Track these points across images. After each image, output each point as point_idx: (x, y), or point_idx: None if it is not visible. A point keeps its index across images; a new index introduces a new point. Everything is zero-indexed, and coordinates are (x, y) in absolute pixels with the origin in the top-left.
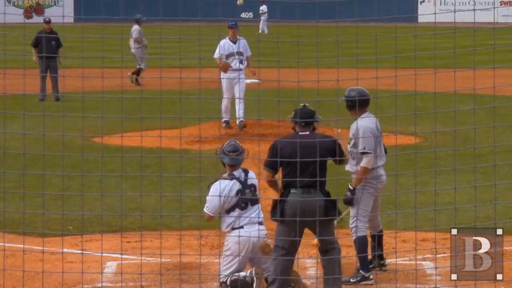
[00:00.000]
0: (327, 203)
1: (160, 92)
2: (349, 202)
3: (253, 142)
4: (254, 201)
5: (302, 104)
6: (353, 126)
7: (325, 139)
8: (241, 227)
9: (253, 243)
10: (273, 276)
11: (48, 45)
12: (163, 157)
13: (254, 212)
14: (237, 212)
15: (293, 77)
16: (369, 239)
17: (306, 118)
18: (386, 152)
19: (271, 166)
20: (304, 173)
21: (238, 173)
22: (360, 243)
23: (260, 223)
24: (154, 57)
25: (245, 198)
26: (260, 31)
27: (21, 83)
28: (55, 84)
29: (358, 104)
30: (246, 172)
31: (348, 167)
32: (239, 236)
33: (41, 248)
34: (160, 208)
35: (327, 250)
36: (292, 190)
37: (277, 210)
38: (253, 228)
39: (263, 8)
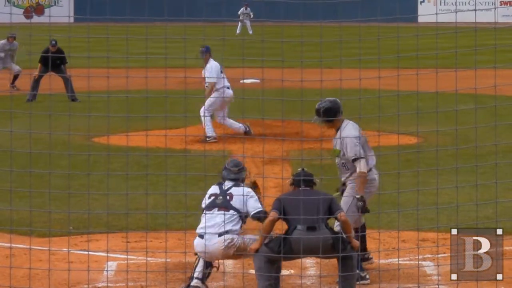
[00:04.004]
0: (334, 240)
1: (165, 91)
2: (366, 210)
3: (255, 141)
4: (223, 207)
5: (301, 168)
6: (337, 139)
7: (325, 194)
8: (201, 236)
9: (210, 252)
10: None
11: (54, 64)
12: (149, 156)
13: (221, 218)
14: (204, 217)
15: (295, 77)
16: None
17: (304, 180)
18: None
19: (277, 208)
20: (306, 215)
21: (228, 183)
22: None
23: (225, 232)
24: (159, 57)
25: (213, 203)
26: (250, 31)
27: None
28: (69, 86)
29: (332, 114)
30: (237, 185)
31: (343, 177)
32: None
33: (40, 248)
34: (146, 206)
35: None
36: (298, 227)
37: (280, 243)
38: (213, 239)
39: (248, 10)
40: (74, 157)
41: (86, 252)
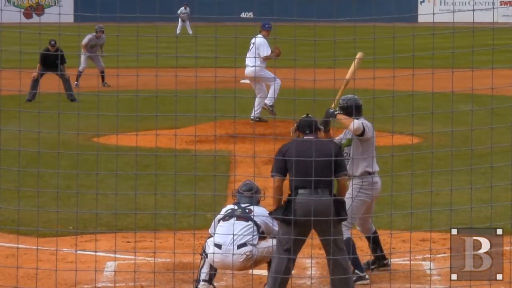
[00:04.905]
0: (337, 203)
1: (176, 91)
2: (331, 115)
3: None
4: (242, 218)
5: (305, 114)
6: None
7: (328, 147)
8: (218, 245)
9: (227, 264)
10: (274, 275)
11: (53, 64)
12: (158, 156)
13: (240, 228)
14: (220, 228)
15: (293, 76)
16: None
17: (309, 125)
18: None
19: (279, 170)
20: (311, 174)
21: (244, 204)
22: (347, 246)
23: (244, 244)
24: (170, 56)
25: (231, 213)
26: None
27: (20, 84)
28: (68, 86)
29: (354, 111)
30: (254, 203)
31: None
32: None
33: (41, 248)
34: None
35: (334, 252)
36: (300, 191)
37: (285, 210)
38: (231, 251)
39: (188, 10)
40: (73, 157)
41: (86, 252)
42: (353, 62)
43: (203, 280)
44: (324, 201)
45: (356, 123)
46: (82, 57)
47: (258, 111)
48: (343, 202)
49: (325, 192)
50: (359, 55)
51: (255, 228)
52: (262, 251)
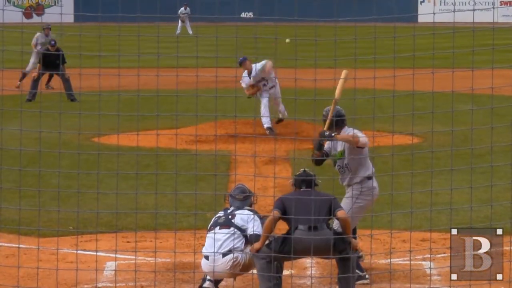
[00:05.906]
0: (335, 240)
1: (177, 91)
2: (319, 146)
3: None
4: (225, 225)
5: (302, 169)
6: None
7: (326, 195)
8: (206, 257)
9: (216, 273)
10: (261, 274)
11: (53, 64)
12: (160, 156)
13: (223, 237)
14: (207, 239)
15: (293, 76)
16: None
17: (306, 182)
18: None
19: (280, 208)
20: (309, 215)
21: (233, 208)
22: None
23: (229, 252)
24: (171, 55)
25: (215, 222)
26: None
27: (22, 84)
28: (68, 86)
29: (339, 123)
30: (241, 208)
31: (344, 181)
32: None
33: (42, 247)
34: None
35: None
36: (300, 227)
37: (282, 243)
38: (218, 260)
39: (188, 10)
40: (74, 157)
41: (87, 252)
42: (340, 82)
43: (209, 280)
44: (321, 238)
45: (362, 137)
46: (32, 59)
47: (283, 111)
48: (343, 236)
49: (323, 227)
50: (343, 74)
51: (238, 233)
52: (250, 255)
